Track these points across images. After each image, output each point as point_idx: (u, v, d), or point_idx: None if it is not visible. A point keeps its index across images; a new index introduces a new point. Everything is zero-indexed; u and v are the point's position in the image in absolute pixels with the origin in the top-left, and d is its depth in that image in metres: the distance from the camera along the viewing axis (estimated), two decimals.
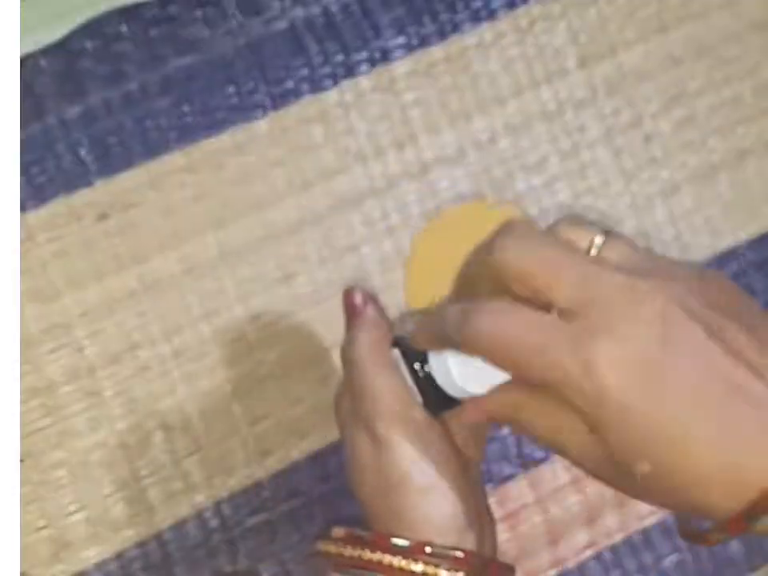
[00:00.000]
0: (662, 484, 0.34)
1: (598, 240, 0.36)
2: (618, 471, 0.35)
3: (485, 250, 0.37)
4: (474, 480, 0.44)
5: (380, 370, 0.42)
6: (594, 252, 0.36)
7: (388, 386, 0.41)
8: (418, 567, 0.39)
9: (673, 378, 0.33)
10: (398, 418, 0.41)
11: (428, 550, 0.40)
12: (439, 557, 0.40)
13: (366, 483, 0.42)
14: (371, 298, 0.44)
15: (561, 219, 0.38)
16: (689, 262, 0.36)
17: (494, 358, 0.35)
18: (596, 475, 0.37)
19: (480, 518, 0.42)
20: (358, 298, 0.44)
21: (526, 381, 0.36)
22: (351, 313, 0.44)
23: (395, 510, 0.41)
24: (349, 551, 0.41)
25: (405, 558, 0.40)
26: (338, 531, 0.43)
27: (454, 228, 0.43)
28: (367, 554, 0.40)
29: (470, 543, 0.41)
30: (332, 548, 0.42)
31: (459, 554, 0.40)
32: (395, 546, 0.40)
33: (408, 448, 0.41)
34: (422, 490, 0.41)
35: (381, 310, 0.44)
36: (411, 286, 0.42)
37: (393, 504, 0.41)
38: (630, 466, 0.34)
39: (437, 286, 0.42)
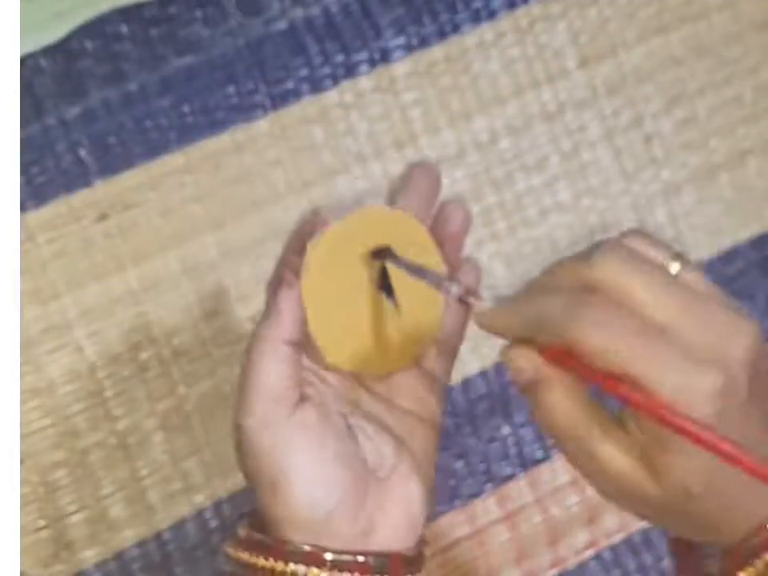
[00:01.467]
0: (705, 504, 0.36)
1: (676, 265, 0.37)
2: (646, 490, 0.36)
3: (582, 261, 0.37)
4: (419, 453, 0.43)
5: (259, 359, 0.41)
6: (671, 273, 0.37)
7: (259, 377, 0.40)
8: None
9: (750, 414, 0.35)
10: (261, 408, 0.40)
11: (328, 556, 0.40)
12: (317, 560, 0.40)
13: (242, 471, 0.42)
14: (291, 285, 0.42)
15: (631, 232, 0.38)
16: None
17: (593, 355, 0.35)
18: (601, 487, 0.38)
19: (382, 508, 0.42)
20: (282, 281, 0.43)
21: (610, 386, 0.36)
22: (271, 290, 0.43)
23: (260, 504, 0.41)
24: (245, 557, 0.41)
25: (295, 564, 0.40)
26: (242, 531, 0.42)
27: (350, 236, 0.42)
28: (261, 561, 0.40)
29: (335, 538, 0.40)
30: (231, 551, 0.42)
31: (328, 555, 0.39)
32: (290, 552, 0.40)
33: (263, 439, 0.40)
34: (271, 484, 0.40)
35: (296, 301, 0.43)
36: (309, 296, 0.41)
37: (257, 498, 0.41)
38: (682, 486, 0.35)
39: (336, 295, 0.42)
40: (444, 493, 0.58)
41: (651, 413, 0.34)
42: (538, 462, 0.59)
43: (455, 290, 0.41)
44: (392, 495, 0.42)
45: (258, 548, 0.41)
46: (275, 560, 0.40)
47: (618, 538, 0.60)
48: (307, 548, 0.40)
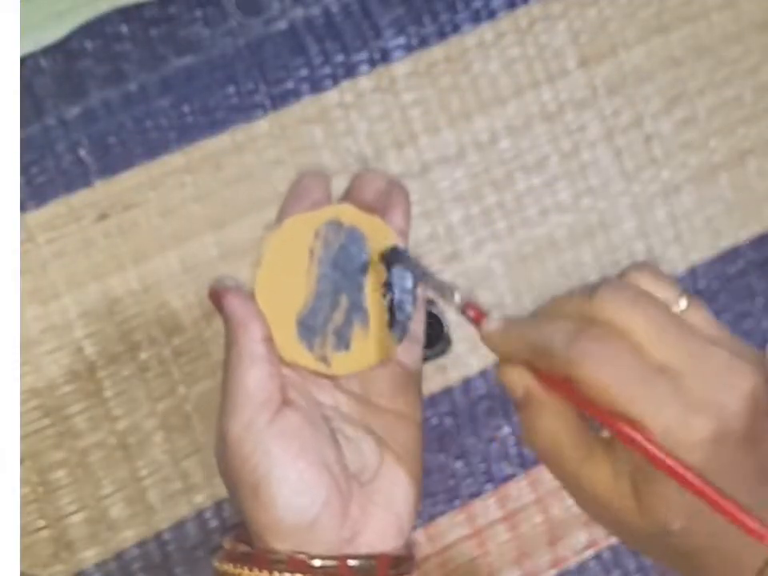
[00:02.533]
0: (686, 542, 0.36)
1: (683, 303, 0.38)
2: (626, 516, 0.36)
3: (588, 294, 0.37)
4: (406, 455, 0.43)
5: (238, 363, 0.40)
6: (676, 311, 0.38)
7: (241, 382, 0.40)
8: None
9: (745, 462, 0.35)
10: (242, 414, 0.40)
11: (313, 563, 0.40)
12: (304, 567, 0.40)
13: (223, 480, 0.42)
14: (236, 290, 0.42)
15: (637, 266, 0.38)
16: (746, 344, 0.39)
17: (587, 386, 0.35)
18: (585, 506, 0.38)
19: (367, 512, 0.41)
20: (216, 294, 0.42)
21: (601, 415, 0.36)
22: (218, 307, 0.43)
23: (243, 513, 0.41)
24: (230, 569, 0.41)
25: (280, 572, 0.39)
26: (227, 544, 0.42)
27: (302, 235, 0.42)
28: (245, 572, 0.40)
29: (320, 543, 0.40)
30: (217, 564, 0.41)
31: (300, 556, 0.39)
32: (273, 560, 0.40)
33: (243, 445, 0.40)
34: (253, 491, 0.40)
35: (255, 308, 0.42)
36: (261, 291, 0.41)
37: (240, 507, 0.41)
38: (663, 520, 0.36)
39: (290, 289, 0.42)
40: (444, 493, 0.58)
41: (641, 451, 0.34)
42: (538, 462, 0.59)
43: (458, 299, 0.41)
44: (376, 499, 0.42)
45: (242, 559, 0.40)
46: (259, 570, 0.40)
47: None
48: (291, 555, 0.40)
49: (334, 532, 0.40)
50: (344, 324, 0.43)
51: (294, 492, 0.40)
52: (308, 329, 0.42)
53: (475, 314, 0.41)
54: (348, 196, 0.44)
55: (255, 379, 0.40)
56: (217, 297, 0.42)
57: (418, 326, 0.45)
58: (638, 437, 0.34)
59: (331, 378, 0.43)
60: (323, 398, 0.43)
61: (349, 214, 0.43)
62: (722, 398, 0.35)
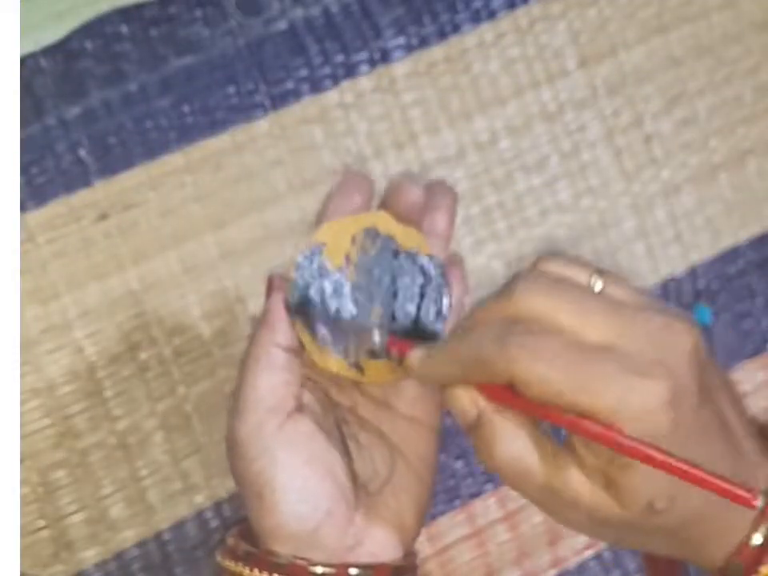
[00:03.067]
0: (673, 519, 0.35)
1: (598, 284, 0.36)
2: (602, 511, 0.35)
3: (502, 296, 0.36)
4: (422, 462, 0.43)
5: (254, 365, 0.40)
6: (595, 291, 0.36)
7: (254, 384, 0.40)
8: None
9: (708, 423, 0.35)
10: (252, 417, 0.40)
11: (313, 569, 0.39)
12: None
13: (233, 477, 0.41)
14: (283, 288, 0.42)
15: (545, 258, 0.37)
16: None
17: (530, 384, 0.34)
18: (543, 506, 0.37)
19: (371, 523, 0.41)
20: (270, 285, 0.42)
21: (549, 413, 0.35)
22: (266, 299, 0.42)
23: (248, 514, 0.41)
24: (232, 566, 0.41)
25: (280, 575, 0.39)
26: (230, 541, 0.42)
27: (340, 240, 0.42)
28: (246, 572, 0.40)
29: (320, 550, 0.40)
30: (219, 559, 0.41)
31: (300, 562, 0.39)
32: (274, 564, 0.40)
33: (250, 449, 0.40)
34: (258, 495, 0.40)
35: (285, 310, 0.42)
36: None
37: (247, 508, 0.41)
38: (646, 503, 0.35)
39: None
40: (444, 493, 0.58)
41: (597, 439, 0.33)
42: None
43: (377, 339, 0.40)
44: (382, 510, 0.42)
45: (244, 558, 0.40)
46: (260, 571, 0.40)
47: None
48: (291, 560, 0.40)
49: (336, 540, 0.40)
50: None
51: (297, 499, 0.39)
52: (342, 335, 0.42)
53: (399, 347, 0.39)
54: (385, 203, 0.44)
55: (268, 384, 0.40)
56: (270, 286, 0.41)
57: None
58: (591, 425, 0.33)
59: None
60: (342, 399, 0.43)
61: (385, 223, 0.43)
62: (668, 358, 0.34)
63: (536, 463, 0.36)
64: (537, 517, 0.59)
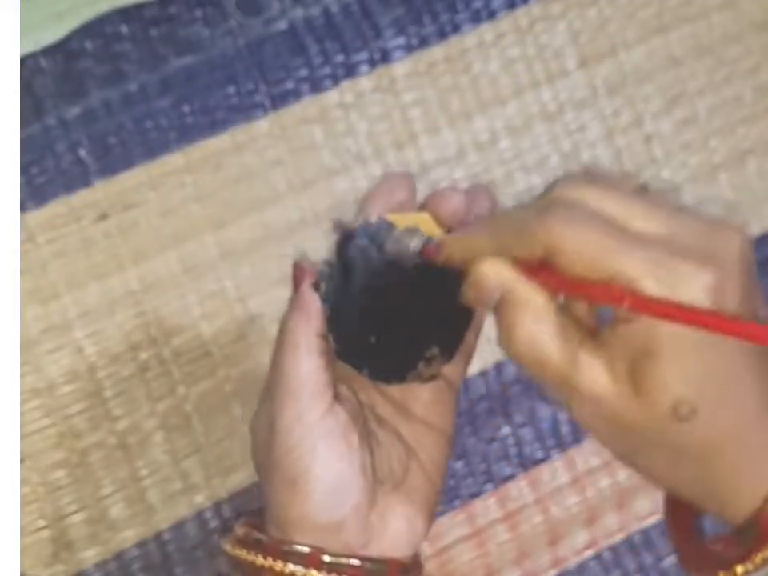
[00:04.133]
0: (697, 435, 0.33)
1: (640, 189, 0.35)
2: (634, 418, 0.33)
3: (545, 189, 0.35)
4: (430, 461, 0.43)
5: (293, 352, 0.40)
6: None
7: (295, 370, 0.40)
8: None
9: (746, 312, 0.33)
10: (295, 404, 0.39)
11: (326, 558, 0.39)
12: (331, 565, 0.39)
13: (259, 468, 0.41)
14: (312, 275, 0.41)
15: (583, 171, 0.36)
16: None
17: (569, 253, 0.32)
18: (590, 424, 0.35)
19: (384, 520, 0.41)
20: (300, 272, 0.42)
21: (583, 290, 0.33)
22: (294, 286, 0.42)
23: (272, 501, 0.40)
24: (243, 555, 0.40)
25: (294, 564, 0.39)
26: (240, 529, 0.42)
27: None
28: (260, 560, 0.40)
29: (338, 543, 0.40)
30: (229, 548, 0.41)
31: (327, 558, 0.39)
32: (288, 552, 0.39)
33: (291, 436, 0.39)
34: (291, 483, 0.40)
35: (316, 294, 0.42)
36: None
37: (270, 495, 0.40)
38: (670, 404, 0.32)
39: None
40: (444, 493, 0.58)
41: (649, 309, 0.31)
42: (538, 461, 0.59)
43: (416, 244, 0.39)
44: (396, 508, 0.42)
45: (257, 547, 0.40)
46: (274, 559, 0.40)
47: (617, 537, 0.60)
48: (306, 549, 0.40)
49: (355, 534, 0.40)
50: None
51: (331, 490, 0.40)
52: None
53: (432, 249, 0.38)
54: (426, 207, 0.44)
55: (311, 368, 0.40)
56: (300, 273, 0.41)
57: (473, 344, 0.44)
58: (640, 296, 0.31)
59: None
60: (361, 397, 0.43)
61: (428, 224, 0.42)
62: (719, 250, 0.33)
63: (557, 350, 0.34)
64: (537, 517, 0.59)
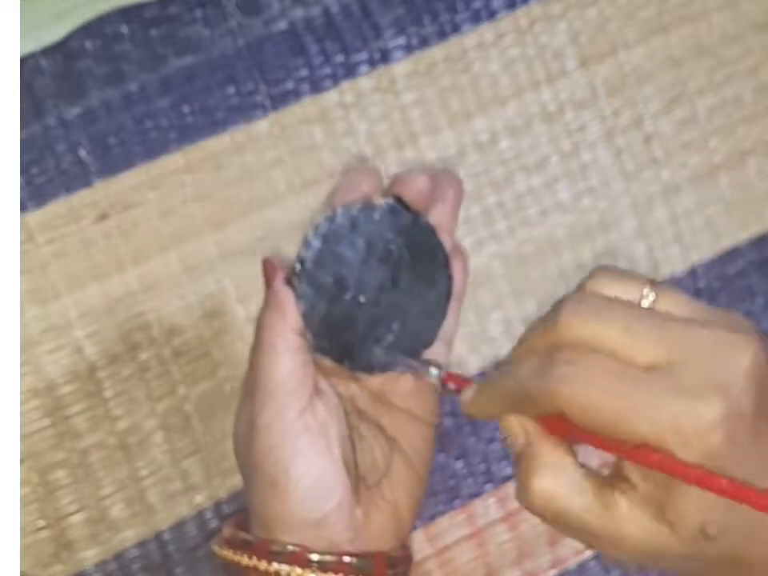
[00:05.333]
0: (727, 545, 0.34)
1: (650, 296, 0.35)
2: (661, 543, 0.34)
3: (549, 320, 0.35)
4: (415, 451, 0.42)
5: (270, 350, 0.40)
6: (646, 305, 0.35)
7: (273, 369, 0.40)
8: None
9: (762, 435, 0.33)
10: (273, 403, 0.39)
11: (311, 556, 0.39)
12: (318, 563, 0.39)
13: (242, 468, 0.41)
14: (284, 269, 0.41)
15: (593, 273, 0.36)
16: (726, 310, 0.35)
17: (577, 415, 0.33)
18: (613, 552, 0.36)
19: (368, 514, 0.41)
20: (270, 268, 0.42)
21: (606, 444, 0.34)
22: (266, 283, 0.42)
23: (255, 501, 0.41)
24: (230, 555, 0.40)
25: (279, 563, 0.39)
26: (226, 530, 0.42)
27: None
28: (245, 560, 0.40)
29: (323, 540, 0.40)
30: (217, 549, 0.41)
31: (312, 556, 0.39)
32: (273, 551, 0.39)
33: (270, 435, 0.39)
34: (272, 482, 0.39)
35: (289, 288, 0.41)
36: None
37: (253, 495, 0.40)
38: (698, 527, 0.33)
39: None
40: (444, 493, 0.58)
41: (666, 470, 0.32)
42: None
43: (434, 374, 0.40)
44: (380, 502, 0.42)
45: (242, 547, 0.40)
46: (258, 559, 0.40)
47: None
48: (291, 548, 0.40)
49: (339, 531, 0.40)
50: None
51: (312, 488, 0.40)
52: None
53: (456, 382, 0.39)
54: (391, 193, 0.44)
55: (288, 366, 0.40)
56: (271, 270, 0.41)
57: (452, 332, 0.44)
58: (643, 451, 0.32)
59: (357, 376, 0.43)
60: (341, 389, 0.43)
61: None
62: (723, 376, 0.32)
63: (576, 503, 0.35)
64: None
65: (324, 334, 0.41)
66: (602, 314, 0.34)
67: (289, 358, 0.40)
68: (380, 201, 0.42)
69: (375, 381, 0.43)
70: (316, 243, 0.41)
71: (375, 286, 0.41)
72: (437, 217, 0.44)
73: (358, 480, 0.41)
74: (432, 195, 0.43)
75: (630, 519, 0.34)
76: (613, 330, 0.33)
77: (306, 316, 0.40)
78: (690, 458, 0.32)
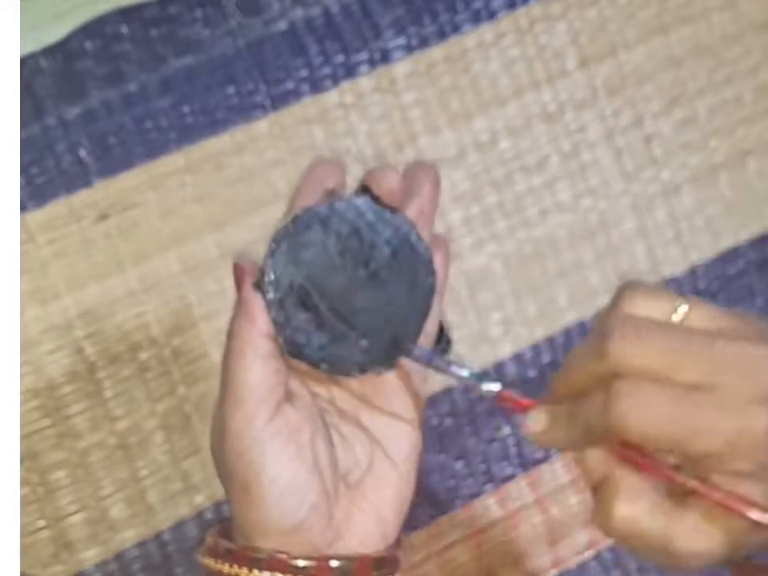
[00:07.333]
0: None
1: (682, 309, 0.37)
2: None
3: (594, 353, 0.36)
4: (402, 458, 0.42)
5: (240, 358, 0.40)
6: (678, 319, 0.37)
7: (242, 376, 0.40)
8: None
9: None
10: (242, 410, 0.39)
11: (290, 561, 0.39)
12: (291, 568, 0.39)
13: (217, 472, 0.41)
14: (254, 273, 0.41)
15: (625, 289, 0.37)
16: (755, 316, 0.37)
17: (642, 441, 0.35)
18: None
19: (351, 516, 0.41)
20: (240, 272, 0.41)
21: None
22: (237, 288, 0.42)
23: (232, 508, 0.41)
24: (212, 564, 0.40)
25: (260, 570, 0.39)
26: (209, 539, 0.42)
27: None
28: (226, 568, 0.40)
29: (303, 545, 0.40)
30: (200, 558, 0.41)
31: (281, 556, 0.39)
32: (253, 558, 0.39)
33: (241, 441, 0.39)
34: (244, 489, 0.40)
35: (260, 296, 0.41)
36: None
37: (230, 502, 0.40)
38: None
39: None
40: (444, 493, 0.58)
41: (728, 507, 0.34)
42: (538, 462, 0.59)
43: (491, 388, 0.40)
44: (362, 503, 0.42)
45: (224, 555, 0.40)
46: (239, 567, 0.40)
47: None
48: (272, 554, 0.39)
49: (318, 534, 0.40)
50: None
51: (284, 493, 0.39)
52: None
53: (516, 405, 0.40)
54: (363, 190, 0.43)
55: (257, 374, 0.39)
56: (240, 275, 0.41)
57: (431, 328, 0.44)
58: (705, 487, 0.34)
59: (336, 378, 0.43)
60: (319, 390, 0.43)
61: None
62: (766, 388, 0.34)
63: (654, 525, 0.36)
64: (536, 517, 0.59)
65: (297, 338, 0.40)
66: (648, 339, 0.35)
67: (258, 365, 0.39)
68: (351, 198, 0.41)
69: (355, 382, 0.43)
70: (283, 246, 0.41)
71: (348, 287, 0.41)
72: (414, 212, 0.43)
73: (338, 480, 0.41)
74: (408, 190, 0.43)
75: (702, 537, 0.35)
76: (656, 356, 0.35)
77: (276, 321, 0.40)
78: (748, 469, 0.34)
